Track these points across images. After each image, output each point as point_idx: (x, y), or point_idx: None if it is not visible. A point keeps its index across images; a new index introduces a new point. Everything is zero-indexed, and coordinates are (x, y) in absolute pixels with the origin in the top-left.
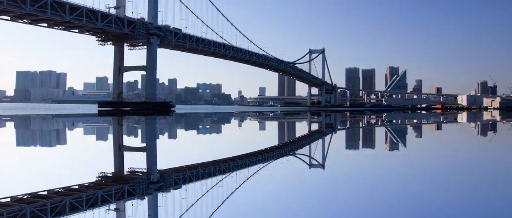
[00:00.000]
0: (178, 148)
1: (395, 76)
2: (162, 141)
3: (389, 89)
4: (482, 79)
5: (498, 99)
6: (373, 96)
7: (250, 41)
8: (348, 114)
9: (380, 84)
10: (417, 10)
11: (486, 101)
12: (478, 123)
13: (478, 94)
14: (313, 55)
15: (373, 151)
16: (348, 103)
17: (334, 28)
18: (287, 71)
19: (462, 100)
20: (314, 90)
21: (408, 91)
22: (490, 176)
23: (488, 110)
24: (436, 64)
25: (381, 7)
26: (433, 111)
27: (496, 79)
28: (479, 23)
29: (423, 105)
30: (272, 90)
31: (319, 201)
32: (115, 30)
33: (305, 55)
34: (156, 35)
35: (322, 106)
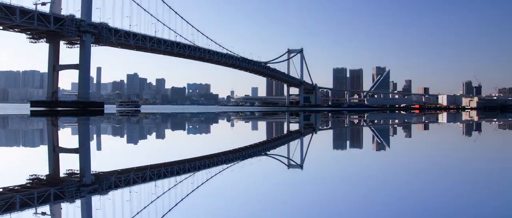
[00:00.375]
0: (126, 150)
1: (379, 76)
2: (106, 142)
3: (373, 89)
4: (469, 79)
5: (475, 99)
6: (355, 96)
7: (211, 40)
8: (329, 114)
9: (368, 84)
10: (408, 10)
11: (464, 101)
12: (446, 122)
13: (458, 94)
14: (292, 55)
15: (327, 150)
16: (329, 103)
17: (323, 28)
18: (258, 71)
19: (443, 100)
20: (296, 90)
21: (396, 91)
22: (455, 175)
23: (466, 110)
24: (426, 64)
25: (372, 7)
26: (411, 111)
27: (485, 80)
28: (470, 23)
29: (402, 105)
30: (264, 91)
31: (268, 204)
32: (38, 27)
33: (283, 54)
34: (89, 32)
35: (300, 106)
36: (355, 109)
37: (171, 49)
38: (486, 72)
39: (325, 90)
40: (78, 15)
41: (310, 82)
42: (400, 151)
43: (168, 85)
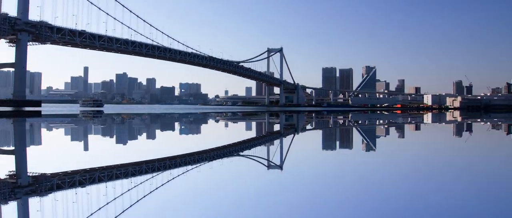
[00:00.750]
0: (72, 152)
1: (366, 75)
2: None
3: (359, 88)
4: (461, 79)
5: (459, 98)
6: (341, 96)
7: (173, 39)
8: (311, 114)
9: (357, 84)
10: (405, 8)
11: (449, 101)
12: (419, 123)
13: (443, 94)
14: (271, 54)
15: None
16: (313, 102)
17: (313, 27)
18: (230, 70)
19: (428, 100)
20: (278, 90)
21: (386, 90)
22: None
23: (449, 110)
24: (420, 64)
25: (365, 7)
26: (393, 111)
27: (480, 79)
28: (466, 22)
29: (384, 105)
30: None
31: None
32: None
33: (262, 54)
34: (26, 31)
35: (280, 105)
36: (335, 109)
37: (125, 47)
38: (482, 72)
39: (309, 90)
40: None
41: (292, 82)
42: (349, 156)
43: (159, 85)
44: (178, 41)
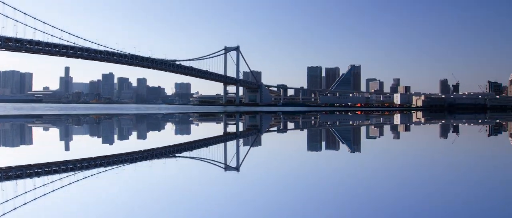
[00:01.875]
0: None
1: (342, 74)
2: None
3: (333, 87)
4: (456, 78)
5: (422, 97)
6: (312, 95)
7: (77, 36)
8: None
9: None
10: (403, 7)
11: (414, 100)
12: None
13: (413, 93)
14: (229, 52)
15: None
16: (280, 102)
17: (305, 25)
18: (166, 69)
19: (397, 99)
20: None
21: (374, 90)
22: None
23: (411, 110)
24: (416, 63)
25: (359, 7)
26: (355, 111)
27: (473, 78)
28: (463, 20)
29: (342, 105)
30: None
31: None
32: None
33: (219, 51)
34: None
35: (237, 105)
36: (291, 109)
37: (5, 44)
38: (480, 70)
39: (292, 89)
40: None
41: (254, 81)
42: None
43: (150, 85)
44: (84, 39)
